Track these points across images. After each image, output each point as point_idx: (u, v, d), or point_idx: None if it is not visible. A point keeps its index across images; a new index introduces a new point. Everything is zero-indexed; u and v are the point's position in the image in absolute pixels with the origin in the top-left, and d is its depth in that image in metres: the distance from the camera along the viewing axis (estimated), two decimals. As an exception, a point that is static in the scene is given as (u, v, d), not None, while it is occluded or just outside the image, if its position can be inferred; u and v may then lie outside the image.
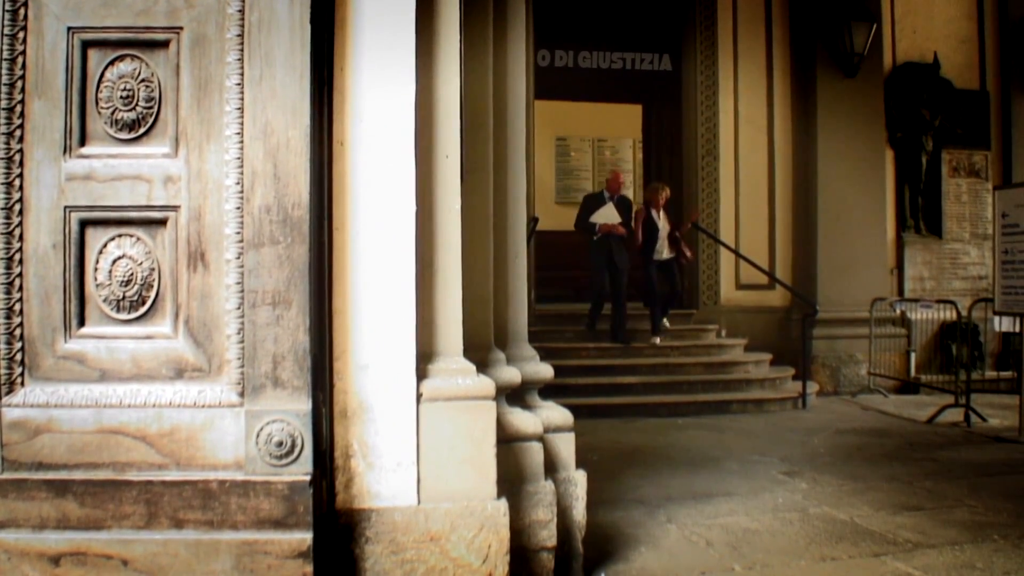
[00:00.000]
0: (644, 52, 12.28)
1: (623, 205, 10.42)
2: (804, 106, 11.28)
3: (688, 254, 10.57)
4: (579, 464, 4.10)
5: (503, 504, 3.45)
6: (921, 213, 11.79)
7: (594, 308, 10.59)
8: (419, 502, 3.39)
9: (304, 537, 3.09)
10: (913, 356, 11.19)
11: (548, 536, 3.74)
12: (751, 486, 5.78)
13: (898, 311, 10.95)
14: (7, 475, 3.14)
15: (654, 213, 10.33)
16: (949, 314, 10.03)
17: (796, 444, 7.39)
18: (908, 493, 5.57)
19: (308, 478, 3.13)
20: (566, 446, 4.07)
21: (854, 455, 6.98)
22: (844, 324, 10.79)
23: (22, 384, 3.19)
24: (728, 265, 11.48)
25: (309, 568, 3.08)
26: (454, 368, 3.53)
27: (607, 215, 10.28)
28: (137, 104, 3.21)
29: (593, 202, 10.53)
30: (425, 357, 3.49)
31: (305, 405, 3.15)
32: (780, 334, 11.19)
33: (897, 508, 5.17)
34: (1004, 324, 8.54)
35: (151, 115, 3.23)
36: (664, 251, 10.30)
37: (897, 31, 11.64)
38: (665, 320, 10.61)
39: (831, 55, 11.04)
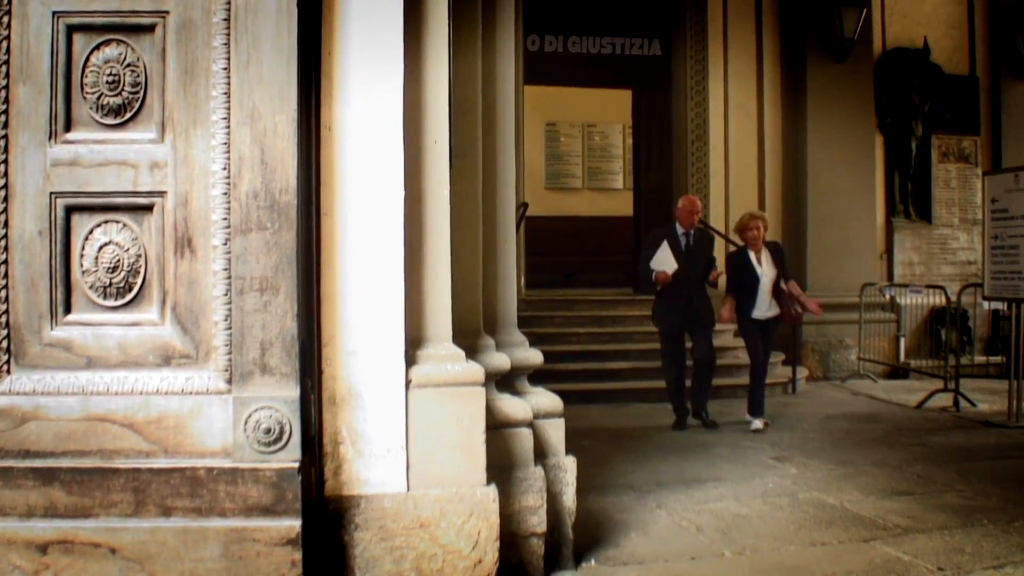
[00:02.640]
0: (634, 37, 12.22)
1: (701, 244, 7.78)
2: (794, 91, 11.26)
3: (809, 306, 7.68)
4: (569, 450, 4.10)
5: (493, 490, 3.45)
6: (911, 198, 11.80)
7: (674, 390, 7.69)
8: (408, 489, 3.38)
9: (293, 524, 3.08)
10: (903, 341, 11.21)
11: (538, 522, 3.74)
12: (741, 471, 5.80)
13: (887, 296, 10.96)
14: (-7, 463, 3.12)
15: (752, 257, 7.55)
16: (938, 299, 10.05)
17: (786, 429, 7.41)
18: (898, 478, 5.59)
19: (296, 465, 3.12)
20: (556, 432, 4.07)
21: (844, 440, 6.99)
22: (834, 309, 10.79)
23: (8, 372, 3.17)
24: (719, 252, 11.46)
25: (298, 555, 3.07)
26: (443, 354, 3.52)
27: (667, 260, 7.49)
28: (123, 89, 3.19)
29: (658, 239, 7.69)
30: (414, 343, 3.47)
31: (293, 392, 3.14)
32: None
33: (886, 493, 5.19)
34: (995, 303, 8.55)
35: (137, 100, 3.20)
36: (766, 306, 7.54)
37: (887, 16, 11.62)
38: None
39: (821, 40, 11.01)
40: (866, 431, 7.42)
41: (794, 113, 11.28)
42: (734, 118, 11.42)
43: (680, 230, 7.59)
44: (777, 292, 7.53)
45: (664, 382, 7.90)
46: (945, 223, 11.89)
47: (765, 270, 7.50)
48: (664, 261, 7.43)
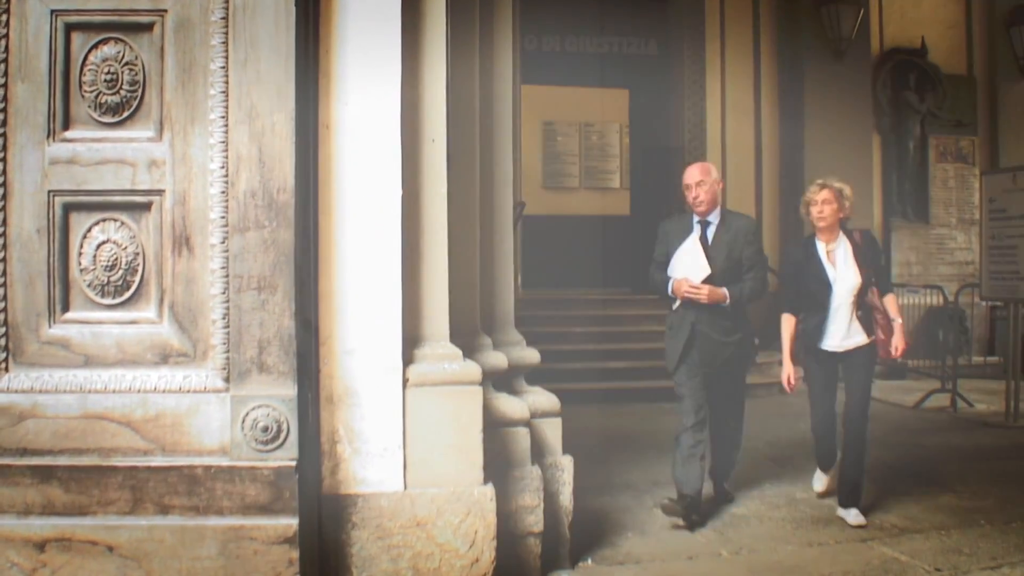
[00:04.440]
0: (631, 37, 12.23)
1: (727, 234, 4.78)
2: (791, 91, 11.26)
3: (896, 343, 4.86)
4: (566, 449, 4.10)
5: (490, 489, 3.45)
6: (908, 198, 11.81)
7: (684, 463, 4.66)
8: (405, 487, 3.39)
9: (290, 523, 3.09)
10: (899, 341, 11.21)
11: (535, 521, 3.74)
12: (738, 471, 5.80)
13: (885, 296, 10.96)
14: (-9, 461, 3.12)
15: (821, 249, 4.83)
16: (936, 299, 10.05)
17: (783, 429, 7.40)
18: (895, 478, 5.59)
19: (294, 463, 3.13)
20: (553, 431, 4.07)
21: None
22: (831, 309, 10.81)
23: (6, 370, 3.17)
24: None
25: (295, 554, 3.07)
26: (440, 353, 3.52)
27: (689, 262, 4.74)
28: (121, 87, 3.19)
29: (671, 233, 4.91)
30: (411, 342, 3.48)
31: (291, 390, 3.14)
32: (767, 319, 11.19)
33: (884, 493, 5.19)
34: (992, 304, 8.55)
35: (135, 99, 3.21)
36: (844, 330, 4.78)
37: (885, 16, 11.62)
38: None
39: (818, 40, 11.01)
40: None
41: (791, 113, 11.28)
42: (731, 117, 11.43)
43: (696, 218, 4.80)
44: (862, 308, 4.79)
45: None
46: (943, 223, 11.90)
47: (842, 272, 4.74)
48: (685, 263, 4.73)
